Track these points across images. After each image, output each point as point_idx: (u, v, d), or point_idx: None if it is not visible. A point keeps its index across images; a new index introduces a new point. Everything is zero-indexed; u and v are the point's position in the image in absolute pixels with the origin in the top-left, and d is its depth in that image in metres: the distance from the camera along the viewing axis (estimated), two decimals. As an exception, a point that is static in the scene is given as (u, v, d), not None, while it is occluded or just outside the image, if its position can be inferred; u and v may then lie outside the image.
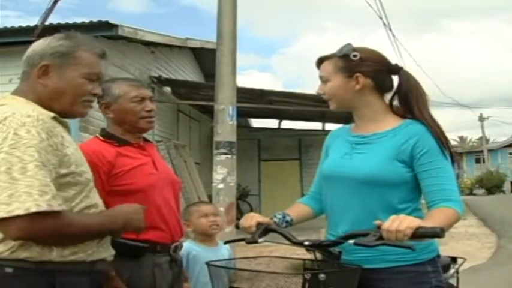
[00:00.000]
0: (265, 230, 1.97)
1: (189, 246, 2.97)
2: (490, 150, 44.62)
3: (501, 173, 31.99)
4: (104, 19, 7.87)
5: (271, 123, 16.55)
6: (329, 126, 14.65)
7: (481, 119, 42.00)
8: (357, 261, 1.87)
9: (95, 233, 1.71)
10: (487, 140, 45.91)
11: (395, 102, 2.07)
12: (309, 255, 1.94)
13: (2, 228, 1.52)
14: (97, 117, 7.03)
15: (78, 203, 1.69)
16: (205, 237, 3.11)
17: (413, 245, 1.61)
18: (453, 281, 2.90)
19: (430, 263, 1.95)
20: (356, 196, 1.96)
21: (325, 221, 2.16)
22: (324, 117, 13.29)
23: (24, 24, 8.07)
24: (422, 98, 2.02)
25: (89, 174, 1.79)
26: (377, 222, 1.68)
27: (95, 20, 7.96)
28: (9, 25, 10.54)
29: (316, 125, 15.38)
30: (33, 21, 14.05)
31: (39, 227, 1.51)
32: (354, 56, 1.99)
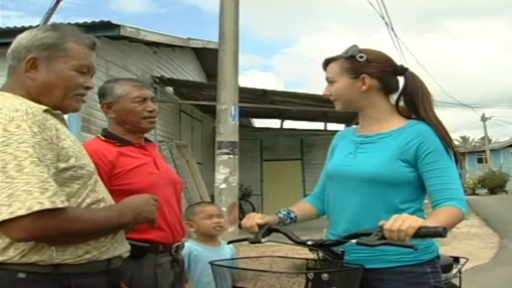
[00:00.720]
0: (268, 229, 1.98)
1: (190, 246, 2.96)
2: (492, 150, 44.50)
3: (503, 173, 31.83)
4: (106, 19, 7.86)
5: (274, 123, 16.54)
6: (331, 126, 14.68)
7: (483, 119, 41.85)
8: (357, 261, 1.87)
9: (102, 229, 1.61)
10: (490, 140, 45.73)
11: (401, 103, 2.08)
12: (311, 255, 1.94)
13: (4, 230, 1.44)
14: (99, 117, 7.06)
15: (85, 199, 1.60)
16: (208, 237, 3.10)
17: (416, 244, 1.61)
18: (456, 281, 2.90)
19: (429, 264, 1.95)
20: (358, 195, 1.96)
21: (327, 221, 2.16)
22: (326, 117, 13.28)
23: (26, 25, 8.08)
24: (427, 99, 2.03)
25: (91, 167, 1.70)
26: (381, 222, 1.67)
27: (97, 20, 7.95)
28: (11, 25, 10.53)
29: (319, 125, 15.40)
30: (34, 21, 14.12)
31: (43, 226, 1.43)
32: (360, 57, 1.99)
